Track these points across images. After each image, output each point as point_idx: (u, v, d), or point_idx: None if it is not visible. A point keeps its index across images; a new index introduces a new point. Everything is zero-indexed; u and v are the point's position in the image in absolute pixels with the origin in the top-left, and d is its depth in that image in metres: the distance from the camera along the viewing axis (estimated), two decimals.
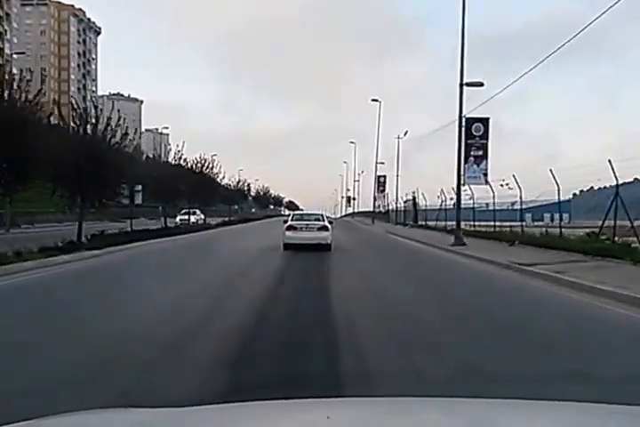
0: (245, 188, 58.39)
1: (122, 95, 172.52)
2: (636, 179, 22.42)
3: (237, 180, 55.29)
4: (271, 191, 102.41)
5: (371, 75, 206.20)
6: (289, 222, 18.35)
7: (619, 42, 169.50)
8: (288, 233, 17.83)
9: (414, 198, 39.52)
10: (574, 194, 29.76)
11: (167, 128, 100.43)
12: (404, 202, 44.84)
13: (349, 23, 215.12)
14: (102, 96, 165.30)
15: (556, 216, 22.39)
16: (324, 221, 18.85)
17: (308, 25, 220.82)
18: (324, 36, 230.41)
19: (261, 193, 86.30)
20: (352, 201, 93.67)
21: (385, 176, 57.19)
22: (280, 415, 1.67)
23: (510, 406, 1.78)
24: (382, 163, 54.64)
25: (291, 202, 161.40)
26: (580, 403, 1.82)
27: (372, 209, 72.03)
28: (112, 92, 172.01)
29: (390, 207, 54.63)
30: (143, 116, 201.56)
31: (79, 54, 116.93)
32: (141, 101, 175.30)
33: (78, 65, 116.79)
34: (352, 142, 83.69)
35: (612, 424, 1.53)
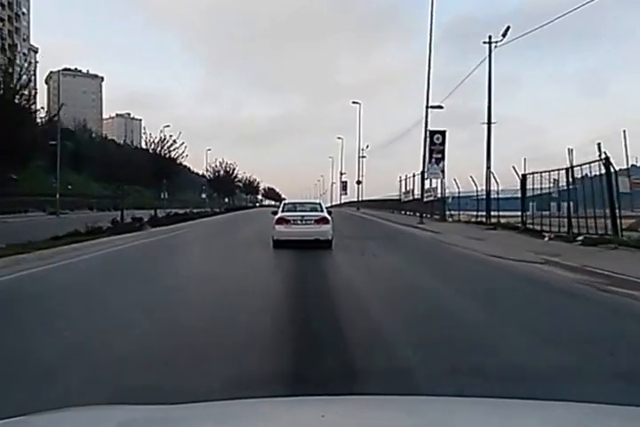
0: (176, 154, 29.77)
1: (79, 71, 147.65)
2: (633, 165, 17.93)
3: (160, 138, 28.65)
4: (239, 172, 70.43)
5: (358, 65, 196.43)
6: (280, 214, 15.47)
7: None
8: (279, 227, 15.02)
9: (607, 160, 13.91)
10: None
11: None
12: (520, 178, 19.21)
13: (337, 12, 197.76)
14: (57, 71, 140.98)
15: (563, 205, 18.19)
16: (322, 211, 15.83)
17: (295, 14, 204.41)
18: (311, 25, 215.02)
19: (222, 172, 56.36)
20: (358, 185, 64.84)
21: (444, 133, 29.71)
22: (274, 414, 1.61)
23: (504, 406, 1.73)
24: (440, 107, 27.66)
25: (270, 189, 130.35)
26: (575, 403, 1.75)
27: (387, 196, 50.22)
28: (68, 68, 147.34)
29: (451, 192, 29.48)
30: (122, 102, 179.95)
31: (2, 5, 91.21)
32: (102, 78, 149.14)
33: (1, 19, 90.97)
34: (356, 102, 61.23)
35: (608, 424, 1.51)
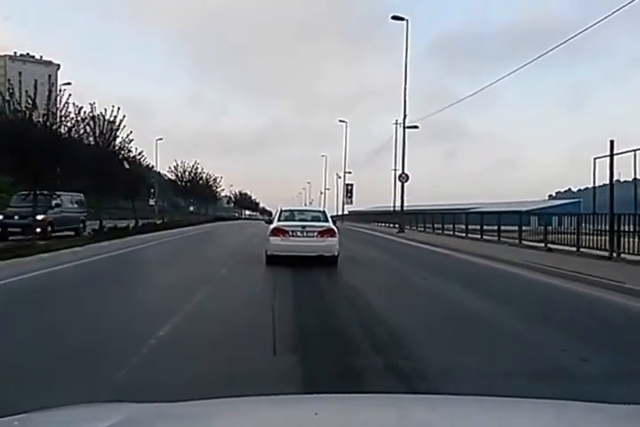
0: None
1: (32, 57, 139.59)
2: (617, 180, 18.89)
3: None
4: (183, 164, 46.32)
5: (346, 73, 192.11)
6: (275, 223, 13.67)
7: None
8: (274, 240, 13.23)
9: None
10: (550, 195, 26.81)
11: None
12: None
13: (325, 20, 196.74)
14: (4, 55, 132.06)
15: (565, 220, 17.79)
16: (327, 221, 14.03)
17: (283, 20, 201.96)
18: (298, 31, 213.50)
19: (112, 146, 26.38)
20: (402, 183, 32.14)
21: None
22: (268, 411, 1.63)
23: (496, 404, 1.75)
24: None
25: (243, 195, 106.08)
26: (563, 401, 1.73)
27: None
28: (20, 53, 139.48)
29: None
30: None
31: None
32: (58, 66, 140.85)
33: None
34: (398, 18, 30.23)
35: (594, 421, 1.52)
